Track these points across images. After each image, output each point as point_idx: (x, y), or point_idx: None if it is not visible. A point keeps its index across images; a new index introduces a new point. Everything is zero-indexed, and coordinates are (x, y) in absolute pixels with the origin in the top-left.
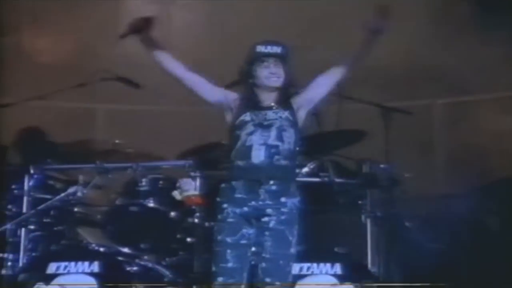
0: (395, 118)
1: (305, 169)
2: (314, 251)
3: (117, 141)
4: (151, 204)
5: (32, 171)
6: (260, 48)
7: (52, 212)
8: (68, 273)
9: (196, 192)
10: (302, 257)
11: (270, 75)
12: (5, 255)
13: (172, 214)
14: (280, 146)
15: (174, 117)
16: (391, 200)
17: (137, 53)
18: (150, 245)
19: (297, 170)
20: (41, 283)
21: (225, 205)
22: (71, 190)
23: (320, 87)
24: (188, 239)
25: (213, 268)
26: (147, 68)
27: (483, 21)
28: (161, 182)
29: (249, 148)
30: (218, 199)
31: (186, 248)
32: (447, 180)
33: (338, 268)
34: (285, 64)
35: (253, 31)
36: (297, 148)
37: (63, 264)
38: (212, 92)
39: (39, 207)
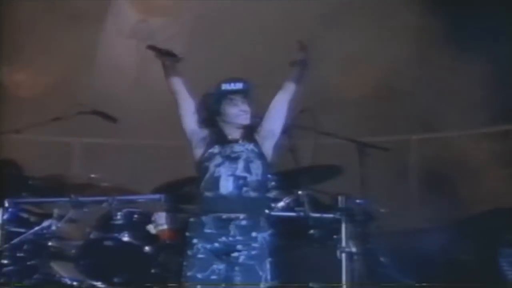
0: (371, 153)
1: (280, 204)
2: (288, 286)
3: (92, 175)
4: (125, 238)
5: (6, 205)
6: (226, 86)
7: (25, 246)
8: None
9: (171, 226)
10: None
11: (240, 113)
12: None
13: (147, 248)
14: (248, 178)
15: (150, 151)
16: (366, 235)
17: (114, 86)
18: (124, 279)
19: (268, 202)
20: None
21: (195, 240)
22: (45, 224)
23: (275, 117)
24: (162, 274)
25: None
26: (124, 102)
27: (458, 58)
28: (136, 216)
29: (217, 179)
30: (187, 233)
31: (159, 283)
32: (422, 215)
33: None
34: (249, 99)
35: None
36: (267, 180)
37: None
38: (192, 120)
39: (13, 241)
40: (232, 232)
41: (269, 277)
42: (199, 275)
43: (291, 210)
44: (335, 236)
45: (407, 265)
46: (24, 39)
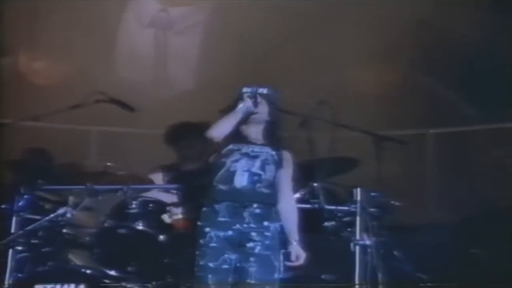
0: (387, 146)
1: (295, 195)
2: (301, 278)
3: (108, 164)
4: (140, 227)
5: (22, 191)
6: (247, 90)
7: (40, 233)
8: None
9: (186, 216)
10: (289, 284)
11: (250, 111)
12: None
13: (161, 237)
14: (263, 176)
15: None
16: (381, 228)
17: (132, 75)
18: (137, 269)
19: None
20: None
21: (207, 229)
22: (60, 211)
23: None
24: (175, 263)
25: None
26: (142, 91)
27: (477, 50)
28: (151, 205)
29: (233, 173)
30: (199, 223)
31: (173, 272)
32: (438, 209)
33: None
34: (270, 104)
35: (249, 57)
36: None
37: (49, 286)
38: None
39: (28, 228)
40: (246, 219)
41: (282, 268)
42: (211, 264)
43: (306, 202)
44: (349, 229)
45: (421, 259)
46: (42, 27)
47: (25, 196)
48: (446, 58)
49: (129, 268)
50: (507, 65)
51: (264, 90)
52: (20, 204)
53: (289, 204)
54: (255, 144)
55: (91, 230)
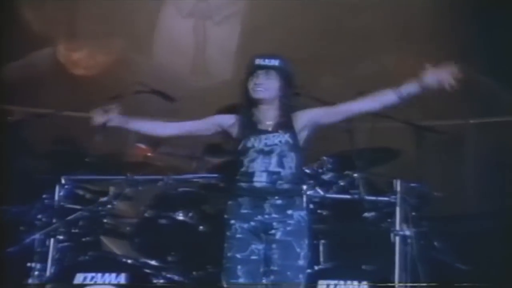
0: (427, 136)
1: (336, 186)
2: (341, 268)
3: (149, 154)
4: (180, 217)
5: (63, 181)
6: (258, 61)
7: (81, 223)
8: (95, 284)
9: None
10: (330, 274)
11: (255, 86)
12: (33, 265)
13: (201, 228)
14: (282, 172)
15: None
16: (421, 219)
17: (172, 66)
18: (178, 258)
19: (303, 191)
20: None
21: (232, 221)
22: (101, 201)
23: (337, 115)
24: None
25: (224, 285)
26: (181, 81)
27: None
28: (191, 196)
29: (251, 174)
30: (225, 216)
31: (214, 262)
32: (478, 200)
33: (365, 286)
34: (282, 78)
35: (287, 47)
36: (301, 171)
37: (90, 275)
38: (206, 127)
39: (68, 218)
40: (267, 210)
41: (306, 255)
42: (238, 255)
43: (346, 192)
44: (389, 220)
45: (461, 249)
46: (82, 18)
47: (66, 186)
48: (487, 46)
49: (169, 258)
50: None
51: (275, 62)
52: (61, 194)
53: (355, 106)
54: (267, 132)
55: (132, 220)
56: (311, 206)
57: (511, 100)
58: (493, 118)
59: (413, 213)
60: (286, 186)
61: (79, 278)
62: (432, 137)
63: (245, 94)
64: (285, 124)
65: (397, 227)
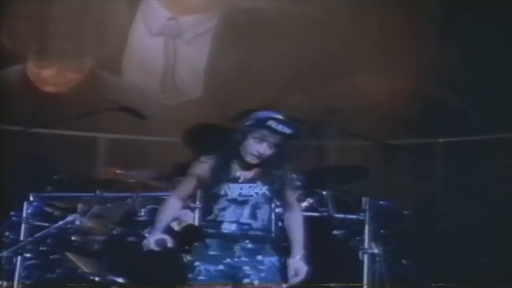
0: (396, 155)
1: (304, 204)
2: (309, 286)
3: (118, 171)
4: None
5: (31, 198)
6: (272, 124)
7: (49, 240)
8: None
9: (195, 223)
10: None
11: (256, 154)
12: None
13: (170, 245)
14: (253, 224)
15: (176, 148)
16: (389, 236)
17: (141, 83)
18: (146, 276)
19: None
20: None
21: (197, 263)
22: (69, 218)
23: (287, 208)
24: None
25: None
26: (151, 99)
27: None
28: None
29: (220, 223)
30: (189, 258)
31: (181, 280)
32: (446, 218)
33: None
34: (285, 145)
35: (256, 67)
36: (271, 222)
37: None
38: (192, 185)
39: (36, 235)
40: (237, 253)
41: None
42: None
43: (315, 210)
44: (357, 238)
45: (429, 268)
46: (52, 35)
47: (34, 203)
48: (456, 66)
49: (137, 276)
50: None
51: (288, 130)
52: (29, 211)
53: (293, 217)
54: (243, 181)
55: (100, 238)
56: (280, 224)
57: (479, 119)
58: (462, 137)
59: (382, 231)
60: (257, 233)
61: None
62: (401, 156)
63: (234, 145)
64: (265, 176)
65: (366, 245)
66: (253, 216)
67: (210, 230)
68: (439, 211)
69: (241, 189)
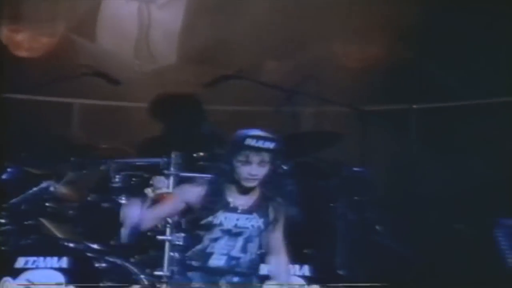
0: (371, 121)
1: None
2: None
3: (92, 137)
4: (123, 201)
5: (5, 165)
6: (251, 142)
7: (23, 206)
8: (37, 268)
9: (169, 190)
10: None
11: (249, 177)
12: None
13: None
14: (242, 258)
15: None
16: (363, 203)
17: (115, 49)
18: (120, 242)
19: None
20: (8, 277)
21: None
22: (43, 184)
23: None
24: (158, 237)
25: None
26: (124, 64)
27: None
28: (134, 179)
29: (209, 255)
30: None
31: (156, 246)
32: (420, 184)
33: (306, 270)
34: (273, 162)
35: (231, 30)
36: (259, 257)
37: (31, 258)
38: (175, 210)
39: (11, 201)
40: (223, 287)
41: None
42: None
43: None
44: (331, 204)
45: (403, 234)
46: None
47: (9, 170)
48: (431, 31)
49: (111, 242)
50: (492, 41)
51: (270, 145)
52: (3, 177)
53: (279, 265)
54: (240, 212)
55: (74, 204)
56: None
57: (454, 86)
58: (436, 104)
59: (356, 198)
60: (243, 270)
61: (20, 262)
62: (376, 122)
63: (227, 173)
64: (262, 208)
65: (339, 212)
66: (244, 249)
67: (195, 263)
68: (413, 177)
69: (237, 219)
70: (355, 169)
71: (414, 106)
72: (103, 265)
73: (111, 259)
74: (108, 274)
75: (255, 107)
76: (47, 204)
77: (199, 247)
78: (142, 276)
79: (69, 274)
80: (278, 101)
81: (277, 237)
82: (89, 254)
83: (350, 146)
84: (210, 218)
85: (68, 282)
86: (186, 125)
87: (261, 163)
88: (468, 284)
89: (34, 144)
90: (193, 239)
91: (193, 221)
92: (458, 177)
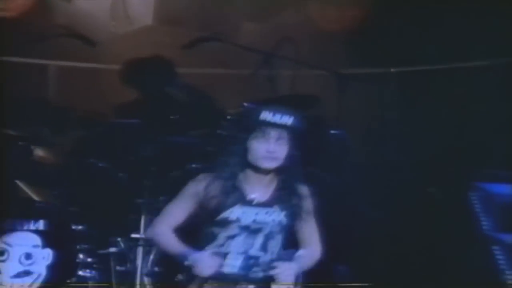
0: (349, 85)
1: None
2: None
3: (70, 100)
4: (101, 164)
5: None
6: (268, 117)
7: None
8: (13, 230)
9: None
10: None
11: (268, 154)
12: None
13: (122, 174)
14: (261, 258)
15: None
16: (339, 166)
17: (91, 9)
18: (98, 205)
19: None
20: None
21: None
22: (20, 145)
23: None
24: (137, 200)
25: None
26: (100, 25)
27: None
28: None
29: (223, 255)
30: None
31: (134, 209)
32: (397, 148)
33: None
34: (293, 140)
35: None
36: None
37: (8, 221)
38: (188, 211)
39: None
40: None
41: None
42: None
43: None
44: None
45: (377, 198)
46: None
47: None
48: None
49: (89, 204)
50: (470, 2)
51: (289, 120)
52: None
53: (311, 250)
54: (259, 205)
55: (53, 167)
56: None
57: (433, 49)
58: (415, 67)
59: (332, 161)
60: (263, 273)
61: None
62: (354, 85)
63: (240, 155)
64: (284, 198)
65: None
66: (264, 247)
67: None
68: (391, 140)
69: (256, 214)
70: (332, 131)
71: (392, 70)
72: (80, 227)
73: (88, 222)
74: (85, 237)
75: (232, 70)
76: (24, 166)
77: (213, 245)
78: (119, 239)
79: (46, 236)
80: (256, 64)
81: (309, 231)
82: (66, 217)
83: (328, 109)
84: (226, 214)
85: (45, 244)
86: (160, 87)
87: (279, 140)
88: (444, 250)
89: (10, 106)
90: (207, 235)
91: (207, 218)
92: (436, 140)
